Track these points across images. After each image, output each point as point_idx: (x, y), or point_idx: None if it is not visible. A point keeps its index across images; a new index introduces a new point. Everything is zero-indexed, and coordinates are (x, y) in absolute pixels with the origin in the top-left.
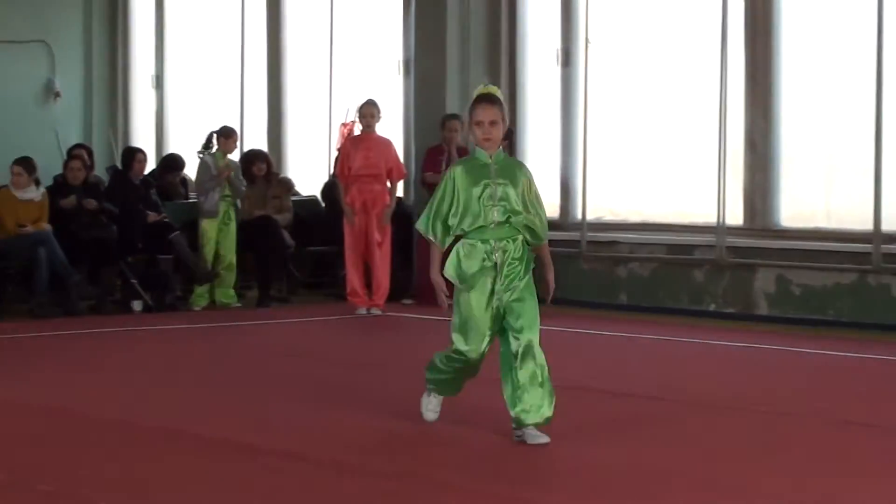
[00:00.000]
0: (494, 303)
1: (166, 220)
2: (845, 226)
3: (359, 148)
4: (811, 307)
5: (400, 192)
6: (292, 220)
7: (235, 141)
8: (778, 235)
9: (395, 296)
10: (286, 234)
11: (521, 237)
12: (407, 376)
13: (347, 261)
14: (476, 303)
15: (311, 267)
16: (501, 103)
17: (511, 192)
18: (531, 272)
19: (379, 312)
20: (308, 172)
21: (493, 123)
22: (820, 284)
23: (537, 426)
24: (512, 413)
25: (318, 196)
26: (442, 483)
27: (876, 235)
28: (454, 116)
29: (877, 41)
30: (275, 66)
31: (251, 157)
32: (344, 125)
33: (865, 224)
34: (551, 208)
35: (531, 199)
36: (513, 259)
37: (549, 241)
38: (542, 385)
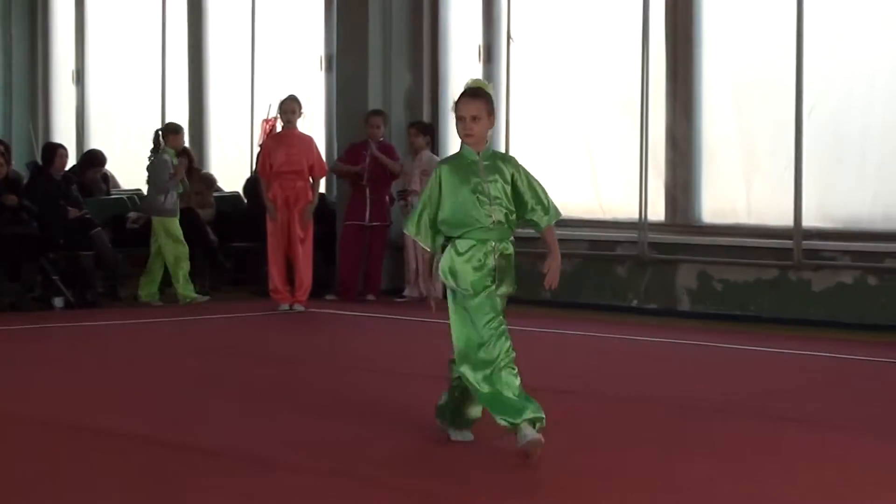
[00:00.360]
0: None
1: (87, 216)
2: (766, 222)
3: (281, 144)
4: (732, 303)
5: (322, 189)
6: (214, 216)
7: (183, 136)
8: (699, 231)
9: (317, 292)
10: (209, 230)
11: (512, 237)
12: (331, 372)
13: (270, 257)
14: (480, 305)
15: (234, 263)
16: (488, 97)
17: (503, 188)
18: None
19: (301, 309)
20: (230, 168)
21: (474, 119)
22: (741, 280)
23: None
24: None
25: (241, 192)
26: (370, 480)
27: (796, 231)
28: (377, 112)
29: (796, 37)
30: (196, 62)
31: None
32: (266, 121)
33: (786, 220)
34: None
35: (526, 188)
36: (508, 266)
37: None
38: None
